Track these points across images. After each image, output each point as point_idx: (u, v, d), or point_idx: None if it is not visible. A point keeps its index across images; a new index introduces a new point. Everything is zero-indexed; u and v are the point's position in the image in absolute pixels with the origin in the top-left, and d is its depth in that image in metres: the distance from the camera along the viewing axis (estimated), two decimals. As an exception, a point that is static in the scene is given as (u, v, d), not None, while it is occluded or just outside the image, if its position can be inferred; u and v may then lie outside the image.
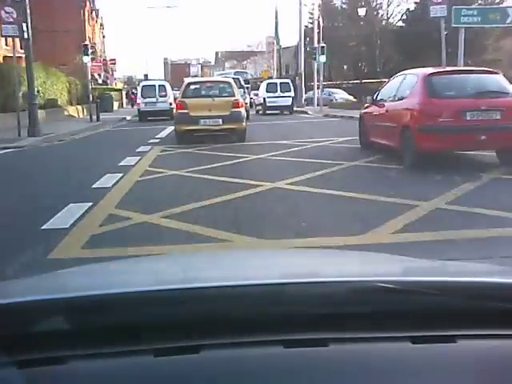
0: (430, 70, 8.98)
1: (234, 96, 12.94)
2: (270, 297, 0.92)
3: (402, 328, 0.90)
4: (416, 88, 8.46)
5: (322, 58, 27.34)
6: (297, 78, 40.11)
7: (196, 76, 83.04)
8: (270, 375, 0.82)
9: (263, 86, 28.11)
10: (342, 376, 0.82)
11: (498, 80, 8.58)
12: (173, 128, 13.95)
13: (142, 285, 1.05)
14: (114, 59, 60.74)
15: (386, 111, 9.40)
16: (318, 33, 31.58)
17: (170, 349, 0.85)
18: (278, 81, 29.33)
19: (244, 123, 12.87)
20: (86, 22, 46.09)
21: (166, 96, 24.41)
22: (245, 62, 74.34)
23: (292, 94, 27.58)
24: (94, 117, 23.42)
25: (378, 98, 10.14)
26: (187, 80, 13.97)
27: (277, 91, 26.88)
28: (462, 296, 0.94)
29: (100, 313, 0.90)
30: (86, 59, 24.12)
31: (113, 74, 61.05)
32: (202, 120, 12.50)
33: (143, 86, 26.11)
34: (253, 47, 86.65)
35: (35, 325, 0.87)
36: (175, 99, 23.63)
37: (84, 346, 0.85)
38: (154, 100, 24.21)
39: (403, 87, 9.07)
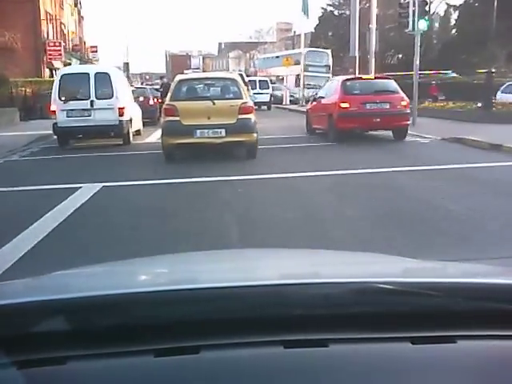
0: (346, 77, 13.64)
1: (241, 98, 10.15)
2: (271, 297, 0.93)
3: (402, 328, 0.91)
4: (336, 89, 12.99)
5: (423, 25, 15.45)
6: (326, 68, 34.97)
7: (198, 69, 75.55)
8: (270, 375, 0.83)
9: None
10: (342, 376, 0.83)
11: (391, 84, 13.14)
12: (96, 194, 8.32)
13: (142, 286, 1.05)
14: (95, 46, 50.66)
15: (321, 105, 13.86)
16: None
17: (170, 349, 0.86)
18: (257, 78, 32.90)
19: (255, 134, 10.09)
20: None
21: (111, 96, 13.04)
22: (253, 51, 69.16)
23: (270, 91, 31.44)
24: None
25: (318, 96, 14.63)
26: (178, 76, 11.16)
27: (256, 88, 30.60)
28: (461, 297, 0.95)
29: (100, 313, 0.91)
30: None
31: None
32: (199, 131, 9.81)
33: (63, 75, 13.65)
34: (262, 33, 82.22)
35: (35, 325, 0.88)
36: (146, 99, 18.24)
37: (84, 346, 0.87)
38: (85, 105, 12.97)
39: (331, 88, 13.64)
